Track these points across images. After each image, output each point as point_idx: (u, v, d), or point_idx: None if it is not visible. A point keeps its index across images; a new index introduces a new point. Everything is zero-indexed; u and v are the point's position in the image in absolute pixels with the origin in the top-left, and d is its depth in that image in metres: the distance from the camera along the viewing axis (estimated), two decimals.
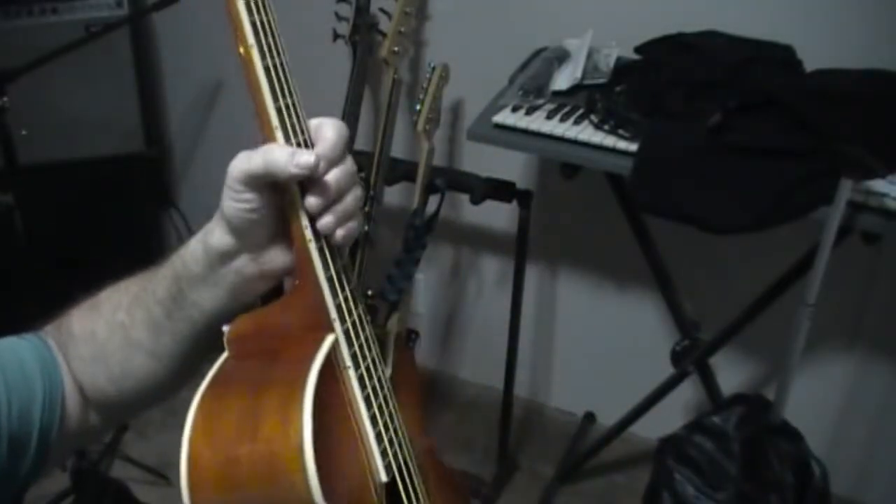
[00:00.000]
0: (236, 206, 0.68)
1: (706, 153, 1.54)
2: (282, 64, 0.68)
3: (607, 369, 2.34)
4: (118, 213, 2.47)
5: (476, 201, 1.97)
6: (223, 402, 0.66)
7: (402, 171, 1.99)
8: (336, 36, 1.97)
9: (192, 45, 2.53)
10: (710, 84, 1.63)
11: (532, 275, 2.23)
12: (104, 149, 2.39)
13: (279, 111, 0.67)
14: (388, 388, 0.77)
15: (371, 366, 0.74)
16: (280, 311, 0.71)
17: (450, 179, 1.97)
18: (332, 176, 0.68)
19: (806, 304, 1.48)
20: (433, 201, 1.92)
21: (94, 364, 0.77)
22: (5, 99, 1.81)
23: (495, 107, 1.73)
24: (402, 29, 1.88)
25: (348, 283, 0.73)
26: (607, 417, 2.22)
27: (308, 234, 0.69)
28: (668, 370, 1.98)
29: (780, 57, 1.69)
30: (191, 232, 2.97)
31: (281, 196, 0.69)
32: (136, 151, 2.43)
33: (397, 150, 2.03)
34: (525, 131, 1.66)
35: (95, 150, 2.38)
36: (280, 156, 0.66)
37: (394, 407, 0.78)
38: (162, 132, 2.70)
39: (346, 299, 0.72)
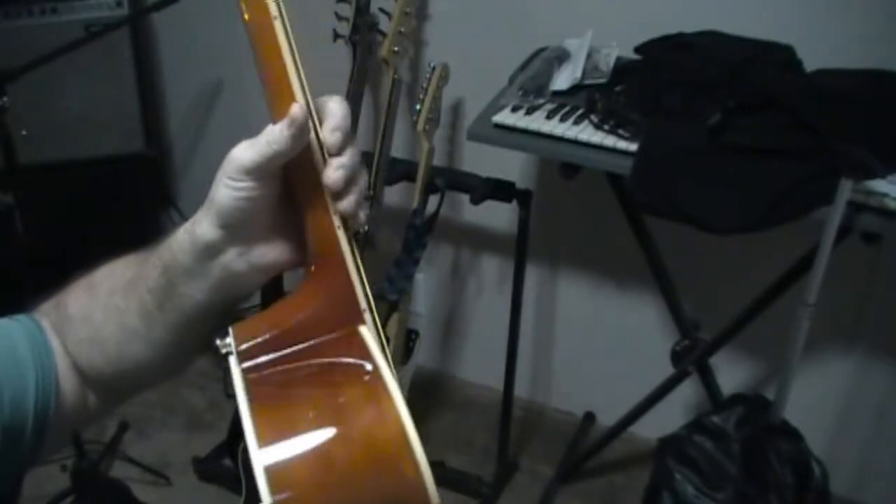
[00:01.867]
0: (232, 195, 0.66)
1: (706, 153, 1.54)
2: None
3: (607, 369, 2.34)
4: (118, 213, 2.47)
5: (476, 201, 1.97)
6: (287, 421, 0.59)
7: (402, 171, 1.99)
8: (336, 36, 1.97)
9: (192, 45, 2.53)
10: (710, 84, 1.63)
11: (532, 275, 2.23)
12: (104, 149, 2.39)
13: (299, 76, 0.65)
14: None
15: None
16: (296, 309, 0.67)
17: (450, 179, 1.97)
18: (349, 152, 0.66)
19: (806, 304, 1.48)
20: (433, 201, 1.93)
21: (91, 345, 0.75)
22: (5, 99, 1.81)
23: (495, 107, 1.73)
24: (402, 29, 1.88)
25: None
26: (607, 417, 2.22)
27: (337, 219, 0.66)
28: (668, 370, 1.98)
29: (780, 57, 1.69)
30: None
31: (279, 186, 0.67)
32: (136, 151, 2.43)
33: (397, 150, 2.03)
34: (525, 131, 1.66)
35: (95, 150, 2.38)
36: (274, 128, 0.64)
37: None
38: (162, 132, 2.70)
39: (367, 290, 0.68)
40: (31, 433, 0.72)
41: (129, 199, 2.49)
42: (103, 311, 0.75)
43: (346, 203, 0.66)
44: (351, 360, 0.63)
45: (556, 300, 2.36)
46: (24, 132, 2.17)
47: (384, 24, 1.93)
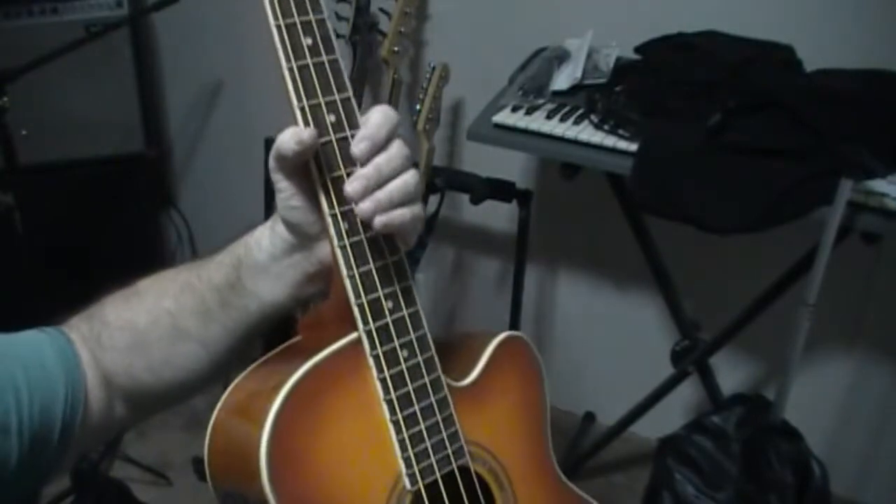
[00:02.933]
0: (278, 197, 0.70)
1: (706, 153, 1.54)
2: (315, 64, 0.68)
3: (607, 369, 2.34)
4: (118, 213, 2.47)
5: (476, 201, 1.97)
6: (252, 375, 0.72)
7: None
8: (336, 36, 1.97)
9: (192, 45, 2.53)
10: (710, 84, 1.63)
11: (532, 275, 2.23)
12: (104, 149, 2.39)
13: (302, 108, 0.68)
14: (435, 394, 0.73)
15: (406, 371, 0.71)
16: (328, 304, 0.72)
17: (450, 179, 1.97)
18: (374, 161, 0.67)
19: (806, 304, 1.48)
20: (433, 201, 1.93)
21: (131, 353, 0.76)
22: (5, 99, 1.81)
23: (495, 107, 1.73)
24: (402, 29, 1.88)
25: (387, 283, 0.70)
26: (607, 417, 2.22)
27: (332, 229, 0.68)
28: (668, 370, 1.97)
29: (780, 57, 1.69)
30: (191, 232, 2.96)
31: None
32: (136, 151, 2.43)
33: None
34: (525, 131, 1.66)
35: (95, 150, 2.38)
36: (286, 133, 0.66)
37: (442, 415, 0.73)
38: (162, 132, 2.70)
39: (376, 300, 0.69)
40: (58, 442, 0.72)
41: (129, 199, 2.48)
42: (150, 316, 0.75)
43: (361, 207, 0.66)
44: (303, 356, 0.69)
45: (556, 300, 2.36)
46: (24, 132, 2.17)
47: (384, 24, 1.93)
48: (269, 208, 2.27)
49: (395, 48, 1.86)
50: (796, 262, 1.68)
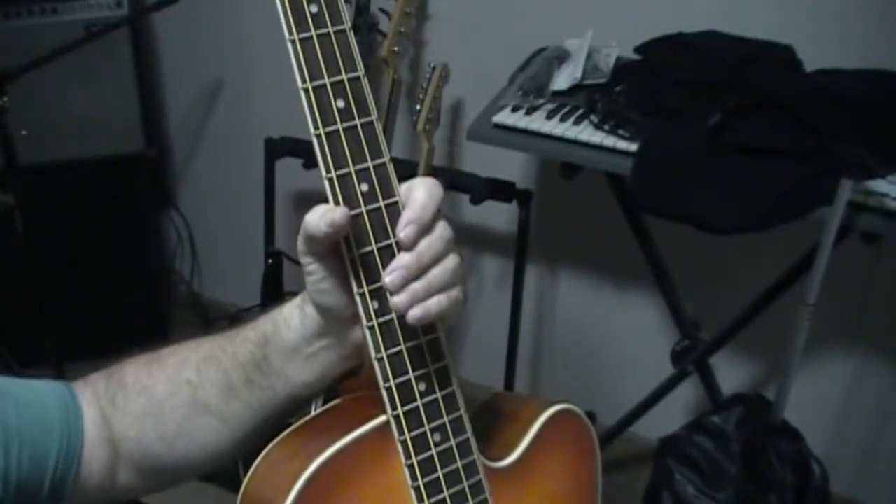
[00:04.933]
0: (307, 280, 0.64)
1: (706, 153, 1.54)
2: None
3: (607, 369, 2.34)
4: (118, 213, 2.47)
5: (476, 201, 1.97)
6: (286, 442, 0.68)
7: (402, 172, 1.98)
8: None
9: (192, 45, 2.53)
10: (710, 84, 1.62)
11: (532, 275, 2.23)
12: (104, 149, 2.39)
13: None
14: (468, 479, 0.69)
15: (436, 456, 0.67)
16: (366, 372, 0.68)
17: (450, 179, 1.96)
18: (418, 247, 0.62)
19: (806, 304, 1.48)
20: None
21: (145, 419, 0.72)
22: (5, 99, 1.81)
23: (495, 107, 1.73)
24: (402, 29, 1.88)
25: (419, 365, 0.65)
26: (607, 417, 2.21)
27: (360, 308, 0.63)
28: (668, 370, 1.97)
29: (780, 57, 1.69)
30: (191, 232, 2.96)
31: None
32: (136, 151, 2.43)
33: (397, 150, 2.03)
34: (525, 131, 1.66)
35: (95, 150, 2.38)
36: (315, 212, 0.60)
37: (475, 500, 0.70)
38: (162, 132, 2.70)
39: (405, 383, 0.65)
40: (47, 497, 0.69)
41: (129, 199, 2.48)
42: (170, 384, 0.72)
43: (395, 301, 0.61)
44: (332, 435, 0.65)
45: (556, 300, 2.36)
46: (24, 132, 2.16)
47: (384, 24, 1.93)
48: (269, 208, 2.28)
49: (395, 48, 1.86)
50: (796, 262, 1.68)
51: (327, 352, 0.68)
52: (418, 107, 1.85)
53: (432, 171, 1.92)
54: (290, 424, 0.70)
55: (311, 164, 2.16)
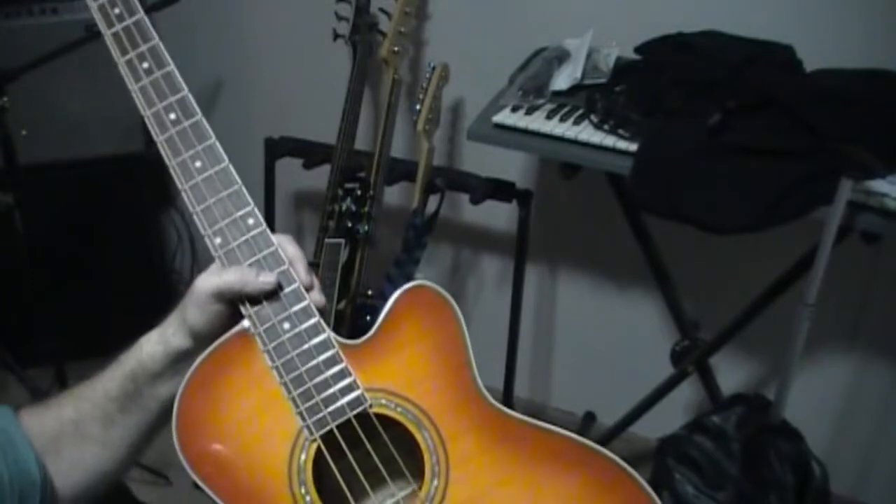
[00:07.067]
0: (205, 319, 0.79)
1: (706, 153, 1.54)
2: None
3: (607, 369, 2.34)
4: (118, 213, 2.47)
5: (476, 201, 1.97)
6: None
7: (402, 171, 1.99)
8: (336, 36, 1.97)
9: (191, 46, 2.52)
10: (710, 84, 1.63)
11: (532, 275, 2.23)
12: (104, 149, 2.39)
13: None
14: (320, 355, 0.82)
15: (287, 342, 0.82)
16: None
17: (450, 179, 1.97)
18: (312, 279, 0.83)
19: (806, 304, 1.48)
20: (433, 201, 1.93)
21: (45, 458, 0.81)
22: (5, 99, 1.81)
23: (495, 107, 1.73)
24: (402, 29, 1.88)
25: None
26: (607, 417, 2.22)
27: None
28: (668, 370, 1.98)
29: (780, 57, 1.69)
30: (191, 232, 2.95)
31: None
32: (136, 151, 2.42)
33: (397, 150, 2.03)
34: (525, 131, 1.66)
35: (95, 150, 2.38)
36: (250, 274, 0.80)
37: (330, 371, 0.82)
38: None
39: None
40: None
41: (129, 199, 2.48)
42: (57, 423, 0.82)
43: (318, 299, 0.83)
44: None
45: (556, 300, 2.36)
46: (24, 132, 2.17)
47: (384, 24, 1.93)
48: (269, 208, 2.28)
49: (395, 48, 1.86)
50: (796, 262, 1.68)
51: (189, 363, 0.80)
52: (418, 107, 1.85)
53: (432, 171, 1.92)
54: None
55: (310, 164, 2.17)
